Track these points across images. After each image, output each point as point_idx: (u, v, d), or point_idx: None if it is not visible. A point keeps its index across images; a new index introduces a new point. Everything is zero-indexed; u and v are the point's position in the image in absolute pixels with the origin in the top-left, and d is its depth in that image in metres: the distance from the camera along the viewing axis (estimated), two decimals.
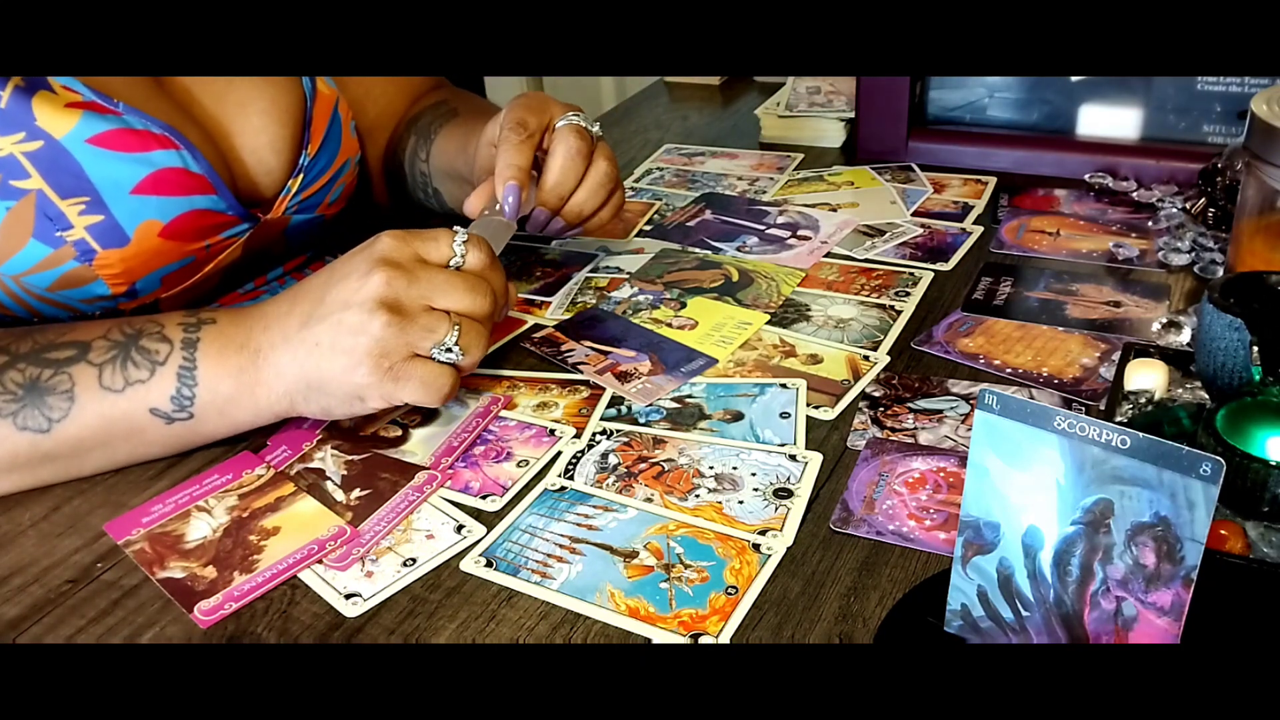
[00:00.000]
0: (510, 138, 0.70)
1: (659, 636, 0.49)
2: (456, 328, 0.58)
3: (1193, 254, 0.79)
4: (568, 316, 0.77)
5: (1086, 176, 0.93)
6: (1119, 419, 0.59)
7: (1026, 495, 0.42)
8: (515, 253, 0.71)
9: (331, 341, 0.56)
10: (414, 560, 0.54)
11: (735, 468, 0.59)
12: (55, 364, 0.57)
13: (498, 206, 0.70)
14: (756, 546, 0.54)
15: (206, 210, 0.68)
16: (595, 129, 0.74)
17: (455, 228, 0.60)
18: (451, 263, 0.59)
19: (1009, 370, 0.67)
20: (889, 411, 0.64)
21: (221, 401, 0.59)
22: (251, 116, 0.73)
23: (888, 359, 0.69)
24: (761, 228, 0.89)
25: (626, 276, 0.82)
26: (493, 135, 0.75)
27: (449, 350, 0.58)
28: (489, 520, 0.57)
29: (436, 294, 0.58)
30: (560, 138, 0.72)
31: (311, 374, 0.57)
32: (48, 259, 0.64)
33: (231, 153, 0.73)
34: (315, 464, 0.61)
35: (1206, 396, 0.60)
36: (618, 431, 0.63)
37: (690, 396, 0.66)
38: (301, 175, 0.76)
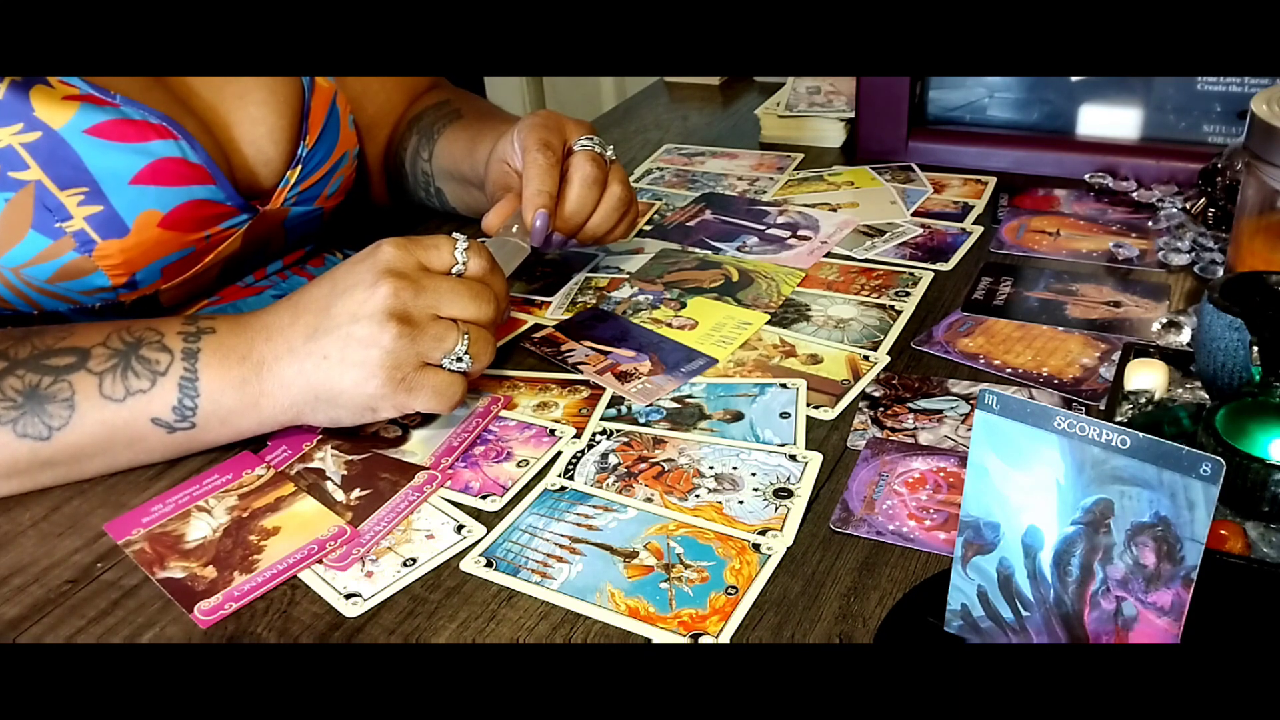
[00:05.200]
0: (539, 160, 0.71)
1: (659, 636, 0.49)
2: (465, 336, 0.58)
3: (1193, 254, 0.79)
4: (568, 316, 0.77)
5: (1086, 176, 0.93)
6: (1119, 419, 0.59)
7: (1026, 495, 0.42)
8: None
9: (341, 354, 0.56)
10: (414, 560, 0.54)
11: (735, 468, 0.59)
12: (54, 371, 0.57)
13: (515, 228, 0.71)
14: (756, 546, 0.54)
15: (206, 200, 0.68)
16: (609, 152, 0.75)
17: (455, 234, 0.60)
18: (453, 270, 0.60)
19: (1009, 370, 0.67)
20: (889, 411, 0.64)
21: (224, 413, 0.59)
22: (249, 107, 0.74)
23: (888, 359, 0.69)
24: (761, 228, 0.89)
25: (626, 276, 0.82)
26: (505, 152, 0.75)
27: (459, 359, 0.58)
28: (489, 520, 0.57)
29: (443, 303, 0.58)
30: (576, 165, 0.73)
31: (320, 386, 0.57)
32: (47, 250, 0.64)
33: (230, 143, 0.73)
34: (315, 464, 0.61)
35: (1206, 396, 0.60)
36: (618, 431, 0.63)
37: (690, 396, 0.66)
38: (300, 166, 0.76)
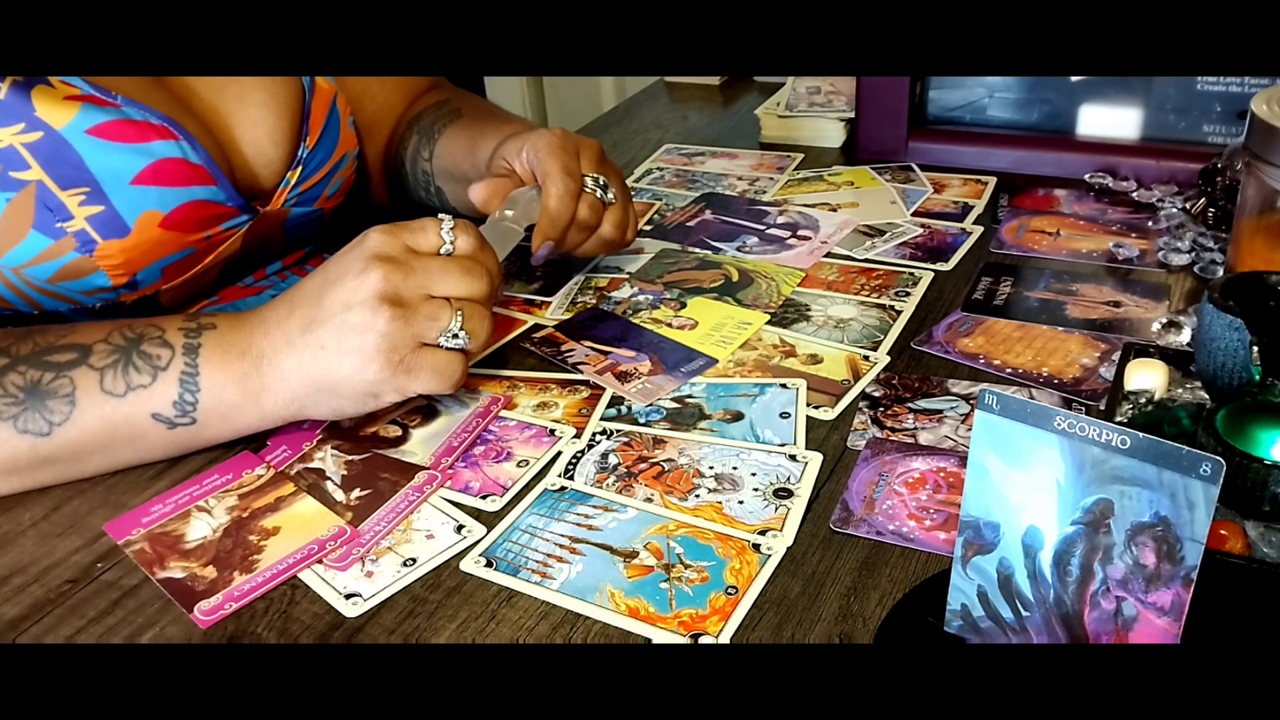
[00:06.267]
0: (561, 186, 0.71)
1: (659, 636, 0.49)
2: (459, 312, 0.58)
3: (1193, 254, 0.79)
4: (568, 316, 0.77)
5: (1086, 176, 0.93)
6: (1119, 419, 0.59)
7: (1026, 495, 0.42)
8: (516, 252, 0.71)
9: (338, 343, 0.57)
10: (414, 560, 0.54)
11: (735, 468, 0.59)
12: (56, 367, 0.57)
13: (510, 212, 0.71)
14: (756, 546, 0.54)
15: (206, 201, 0.69)
16: (609, 195, 0.74)
17: (441, 215, 0.60)
18: (442, 250, 0.59)
19: (1009, 370, 0.67)
20: (889, 411, 0.64)
21: (225, 408, 0.59)
22: (250, 108, 0.74)
23: (888, 359, 0.69)
24: (761, 228, 0.89)
25: (626, 276, 0.82)
26: (509, 153, 0.75)
27: (455, 336, 0.58)
28: (489, 520, 0.57)
29: (434, 282, 0.58)
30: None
31: (320, 377, 0.57)
32: (48, 250, 0.64)
33: (230, 144, 0.73)
34: (315, 464, 0.61)
35: (1206, 396, 0.60)
36: (618, 431, 0.63)
37: (690, 396, 0.66)
38: (300, 167, 0.76)
